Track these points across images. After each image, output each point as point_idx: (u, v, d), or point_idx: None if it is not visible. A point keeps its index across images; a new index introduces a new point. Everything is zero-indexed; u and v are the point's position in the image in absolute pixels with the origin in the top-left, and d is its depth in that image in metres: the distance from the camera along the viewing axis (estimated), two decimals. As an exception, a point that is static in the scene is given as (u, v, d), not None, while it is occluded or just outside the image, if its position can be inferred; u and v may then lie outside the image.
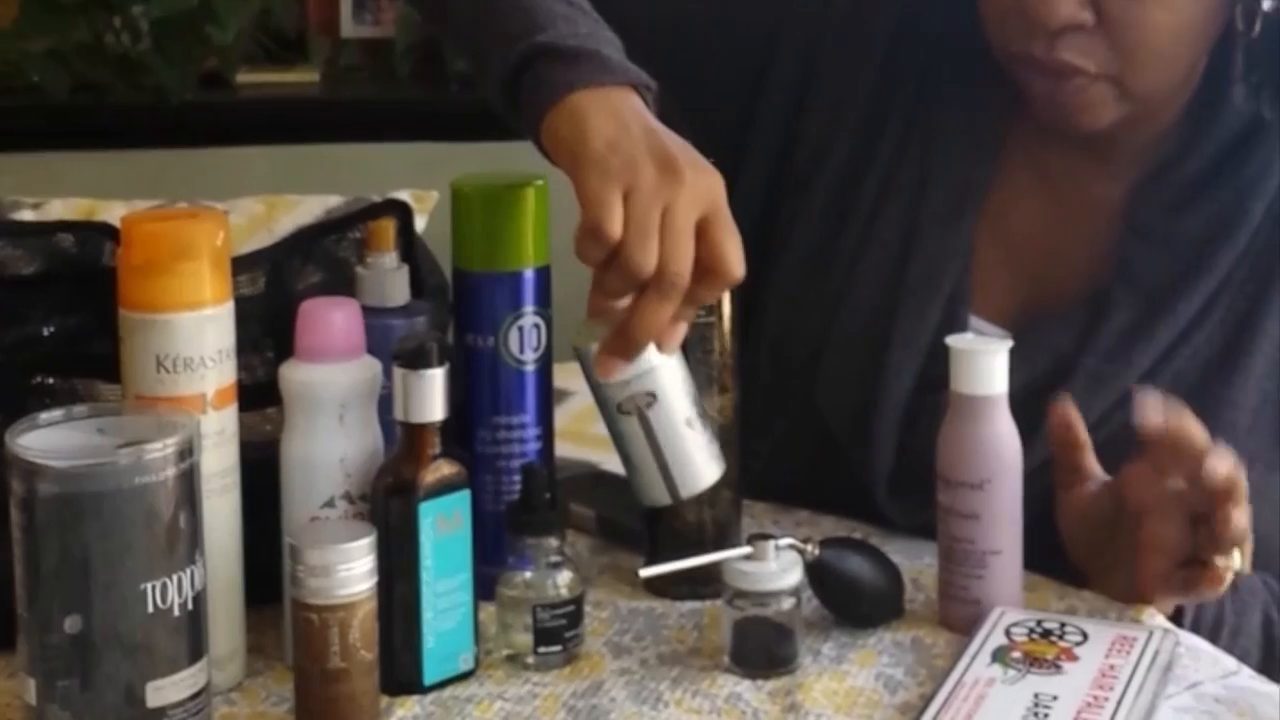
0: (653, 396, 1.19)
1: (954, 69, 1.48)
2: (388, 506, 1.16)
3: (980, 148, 1.47)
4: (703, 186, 1.15)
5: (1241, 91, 1.41)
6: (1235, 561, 1.24)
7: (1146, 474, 1.27)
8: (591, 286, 1.16)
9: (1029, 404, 1.31)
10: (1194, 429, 1.24)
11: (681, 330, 1.18)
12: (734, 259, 1.16)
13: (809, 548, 1.24)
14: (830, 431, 1.47)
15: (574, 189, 1.16)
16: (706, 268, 1.15)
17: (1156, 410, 1.25)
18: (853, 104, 1.49)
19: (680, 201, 1.14)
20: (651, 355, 1.18)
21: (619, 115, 1.18)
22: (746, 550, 1.22)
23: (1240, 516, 1.22)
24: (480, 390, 1.28)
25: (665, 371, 1.19)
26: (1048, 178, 1.47)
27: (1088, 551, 1.33)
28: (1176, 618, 1.31)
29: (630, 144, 1.16)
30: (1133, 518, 1.28)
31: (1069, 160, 1.47)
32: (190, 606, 1.07)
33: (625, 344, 1.16)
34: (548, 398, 1.29)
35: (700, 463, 1.21)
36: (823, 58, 1.51)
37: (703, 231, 1.15)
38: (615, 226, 1.13)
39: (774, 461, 1.48)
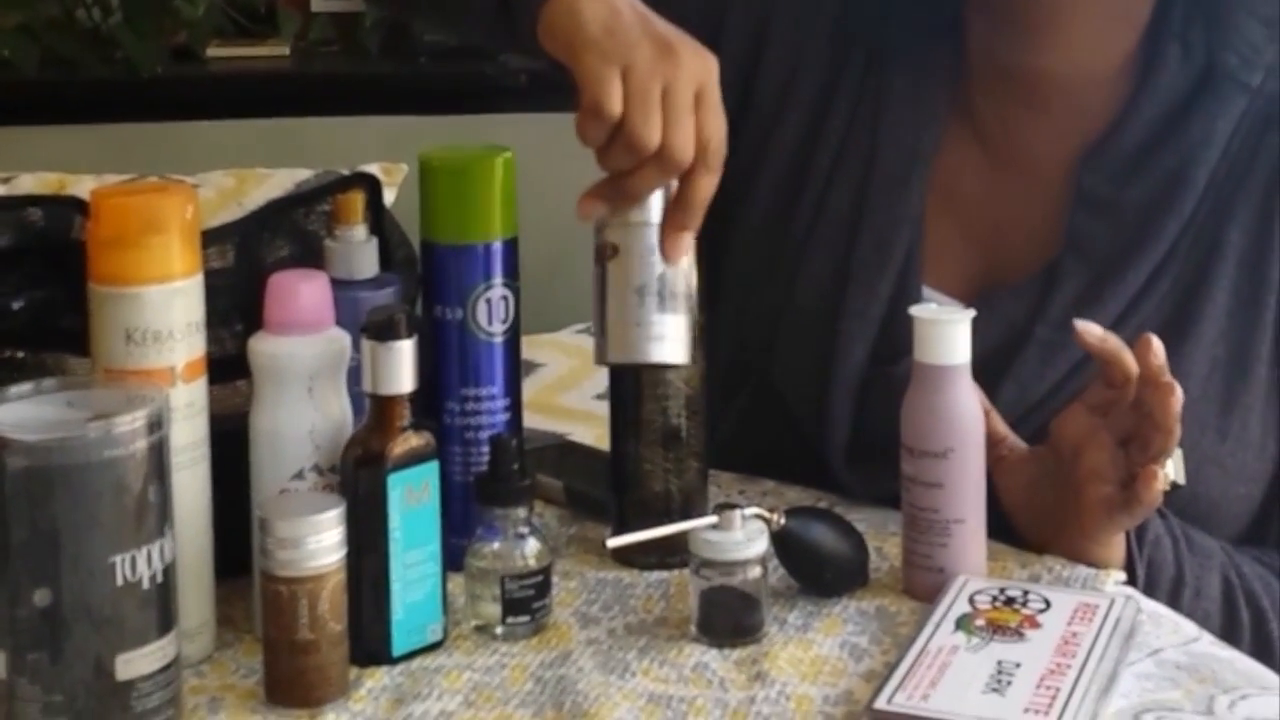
0: (616, 250, 1.20)
1: (903, 35, 1.48)
2: (356, 478, 1.17)
3: (927, 113, 1.47)
4: (697, 66, 1.19)
5: (1177, 53, 1.42)
6: (1169, 469, 1.27)
7: (1075, 414, 1.30)
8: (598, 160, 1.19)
9: (983, 375, 1.31)
10: (1125, 352, 1.28)
11: (686, 241, 1.22)
12: (720, 140, 1.19)
13: (774, 517, 1.25)
14: (789, 404, 1.47)
15: (573, 75, 1.18)
16: (696, 147, 1.19)
17: (1094, 331, 1.29)
18: (804, 74, 1.50)
19: (680, 79, 1.17)
20: (633, 212, 1.20)
21: (610, 1, 1.20)
22: (713, 520, 1.22)
23: (1167, 427, 1.25)
24: (449, 362, 1.28)
25: (640, 234, 1.20)
26: (994, 141, 1.47)
27: (1034, 518, 1.34)
28: (1131, 579, 1.32)
29: (624, 26, 1.19)
30: (1069, 463, 1.30)
31: (1014, 121, 1.46)
32: (159, 579, 1.07)
33: (613, 194, 1.20)
34: (516, 369, 1.30)
35: (636, 336, 1.21)
36: (773, 28, 1.51)
37: (693, 110, 1.19)
38: (615, 103, 1.16)
39: (736, 434, 1.48)
